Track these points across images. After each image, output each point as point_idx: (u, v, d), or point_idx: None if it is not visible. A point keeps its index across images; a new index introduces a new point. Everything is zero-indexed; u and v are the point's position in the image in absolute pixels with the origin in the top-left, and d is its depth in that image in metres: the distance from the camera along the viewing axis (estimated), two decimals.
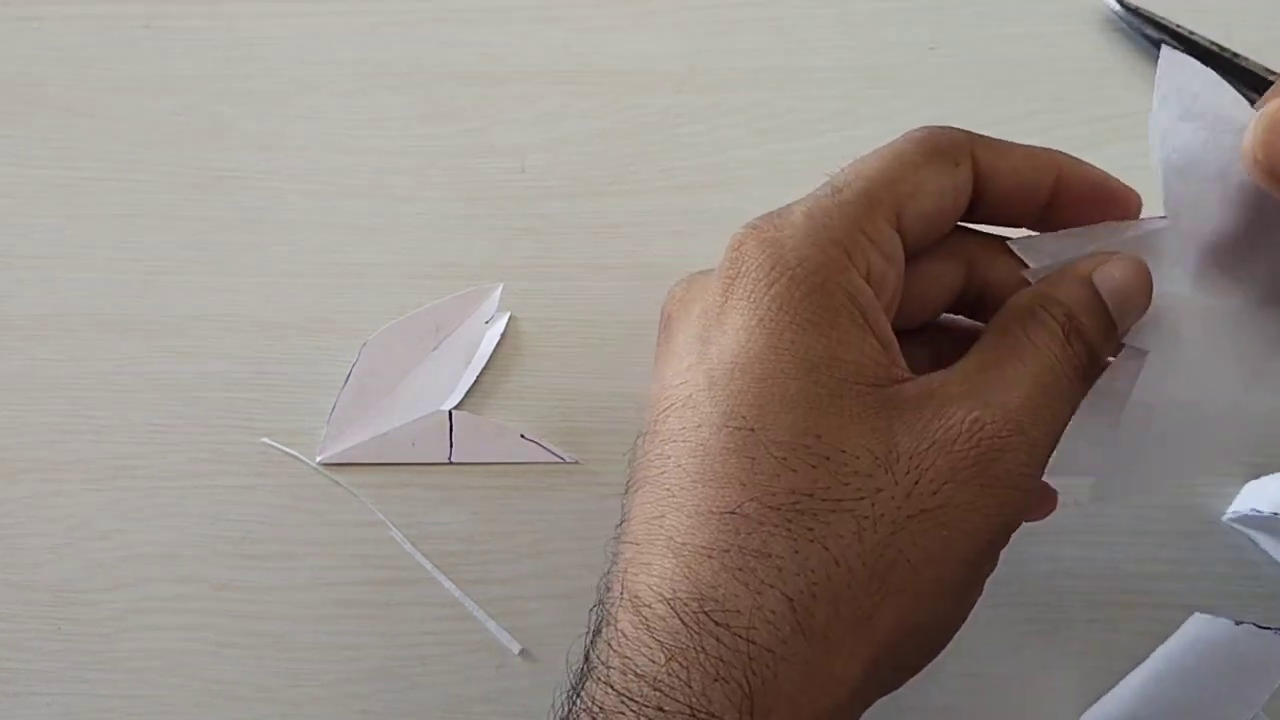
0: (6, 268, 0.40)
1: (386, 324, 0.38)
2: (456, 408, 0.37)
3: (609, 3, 0.46)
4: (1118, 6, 0.45)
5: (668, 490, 0.25)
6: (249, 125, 0.43)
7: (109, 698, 0.33)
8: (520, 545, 0.35)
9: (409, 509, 0.35)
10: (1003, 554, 0.33)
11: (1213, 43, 0.43)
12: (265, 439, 0.36)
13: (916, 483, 0.24)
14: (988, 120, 0.43)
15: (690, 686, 0.22)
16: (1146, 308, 0.27)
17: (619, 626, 0.24)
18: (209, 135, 0.43)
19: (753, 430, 0.24)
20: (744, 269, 0.26)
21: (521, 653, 0.33)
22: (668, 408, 0.26)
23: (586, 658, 0.25)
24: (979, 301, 0.30)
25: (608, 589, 0.25)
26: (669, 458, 0.25)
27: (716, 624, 0.23)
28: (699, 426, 0.25)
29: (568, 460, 0.36)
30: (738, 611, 0.23)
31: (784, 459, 0.24)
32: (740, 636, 0.23)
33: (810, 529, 0.23)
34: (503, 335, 0.38)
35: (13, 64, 0.45)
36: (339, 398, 0.37)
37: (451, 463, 0.36)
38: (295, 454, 0.36)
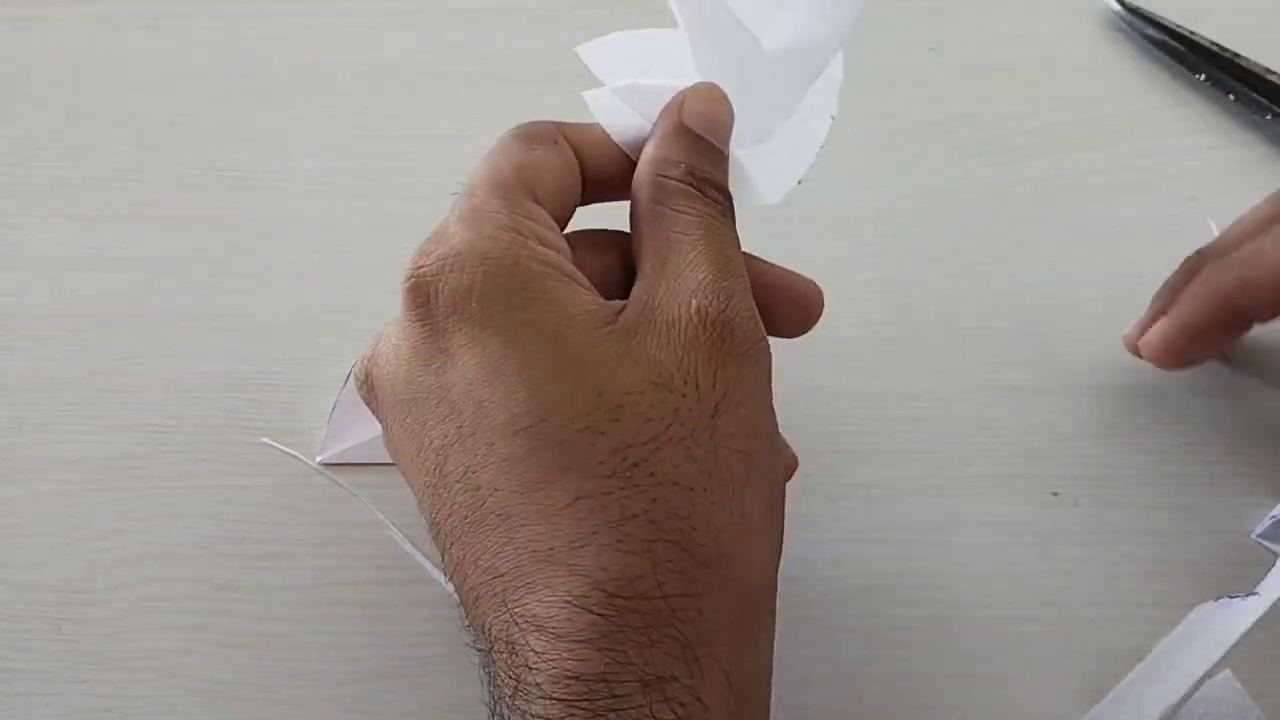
0: (8, 268, 0.40)
1: (387, 324, 0.38)
2: None
3: (609, 3, 0.46)
4: (1118, 6, 0.45)
5: (499, 516, 0.25)
6: (249, 125, 0.43)
7: (109, 698, 0.33)
8: None
9: (409, 509, 0.35)
10: (1003, 554, 0.33)
11: (1213, 43, 0.43)
12: (265, 439, 0.36)
13: (695, 385, 0.25)
14: (988, 120, 0.43)
15: (632, 663, 0.23)
16: (731, 115, 0.30)
17: (531, 649, 0.24)
18: (209, 135, 0.43)
19: (544, 420, 0.25)
20: (433, 293, 0.26)
21: None
22: (440, 459, 0.26)
23: (494, 708, 0.25)
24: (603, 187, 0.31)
25: (488, 634, 0.25)
26: (477, 490, 0.25)
27: (627, 598, 0.23)
28: (491, 446, 0.25)
29: None
30: (640, 578, 0.24)
31: (587, 428, 0.24)
32: (654, 598, 0.24)
33: (651, 474, 0.24)
34: None
35: (13, 64, 0.45)
36: (339, 398, 0.37)
37: None
38: (295, 454, 0.36)
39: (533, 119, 0.29)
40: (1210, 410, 0.37)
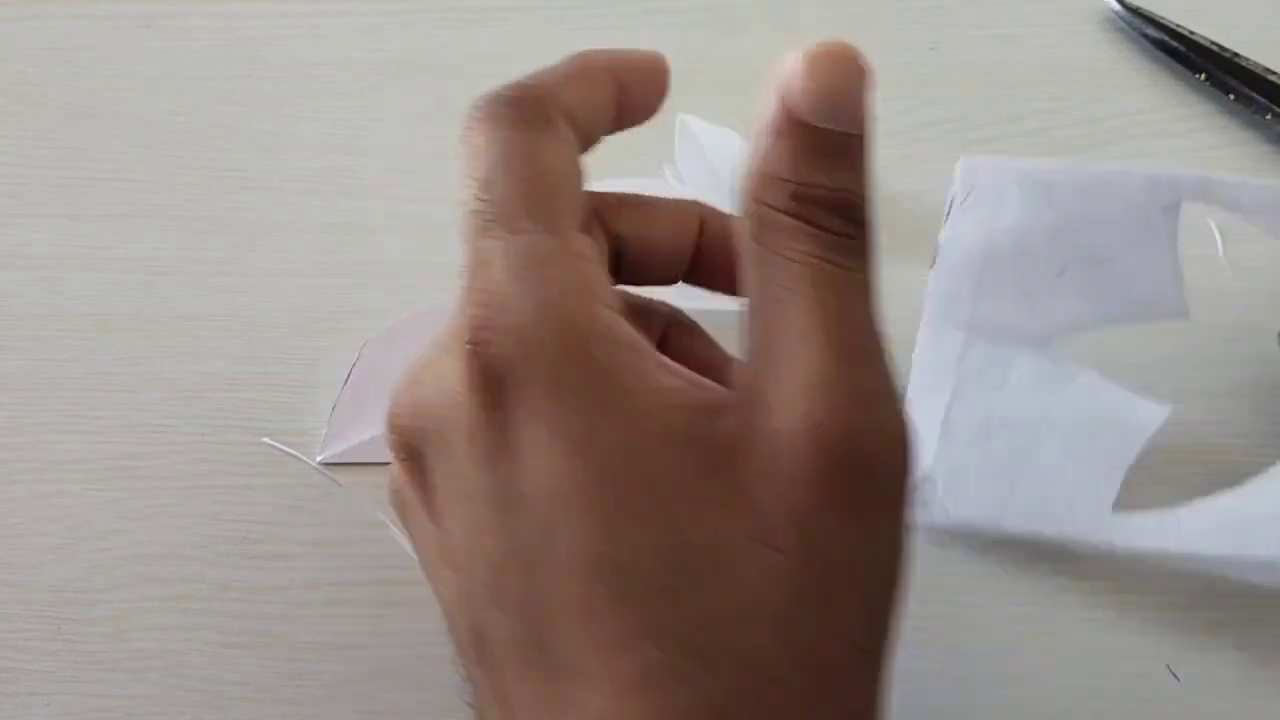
0: (7, 268, 0.40)
1: (387, 324, 0.38)
2: None
3: (609, 2, 0.46)
4: (1118, 6, 0.45)
5: (562, 667, 0.20)
6: (249, 125, 0.43)
7: (109, 698, 0.33)
8: None
9: None
10: (1004, 556, 0.33)
11: (1213, 43, 0.43)
12: (265, 439, 0.36)
13: (806, 547, 0.20)
14: (988, 120, 0.43)
15: None
16: (865, 75, 0.20)
17: None
18: (209, 135, 0.43)
19: (620, 568, 0.20)
20: (502, 380, 0.21)
21: None
22: (494, 574, 0.21)
23: None
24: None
25: None
26: (536, 623, 0.21)
27: None
28: (558, 582, 0.20)
29: None
30: None
31: (668, 587, 0.20)
32: None
33: (734, 657, 0.20)
34: None
35: (13, 64, 0.45)
36: (339, 397, 0.37)
37: None
38: (295, 454, 0.36)
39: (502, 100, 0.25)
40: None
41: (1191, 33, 0.44)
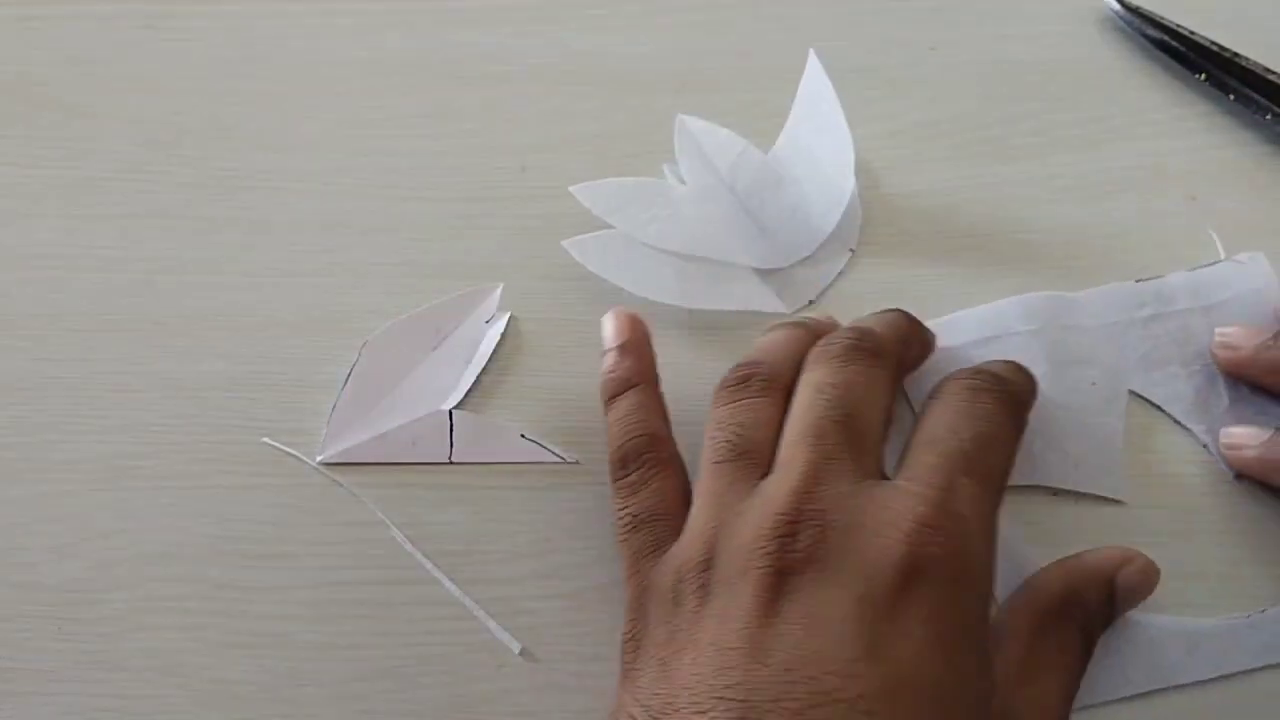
0: (8, 268, 0.40)
1: (387, 324, 0.38)
2: (457, 407, 0.37)
3: (609, 2, 0.46)
4: (1118, 6, 0.45)
5: None
6: (249, 125, 0.43)
7: (109, 698, 0.33)
8: (520, 545, 0.35)
9: (409, 509, 0.35)
10: (1005, 554, 0.33)
11: (1213, 42, 0.43)
12: (265, 439, 0.36)
13: None
14: (988, 120, 0.43)
15: None
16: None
17: None
18: (209, 135, 0.43)
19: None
20: (929, 573, 0.27)
21: (522, 652, 0.33)
22: (822, 700, 0.25)
23: None
24: None
25: None
26: None
27: None
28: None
29: (568, 460, 0.36)
30: None
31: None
32: None
33: None
34: (503, 335, 0.38)
35: (13, 64, 0.45)
36: (339, 397, 0.37)
37: (452, 462, 0.36)
38: (295, 454, 0.36)
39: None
40: None
41: (1191, 33, 0.44)
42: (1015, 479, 0.32)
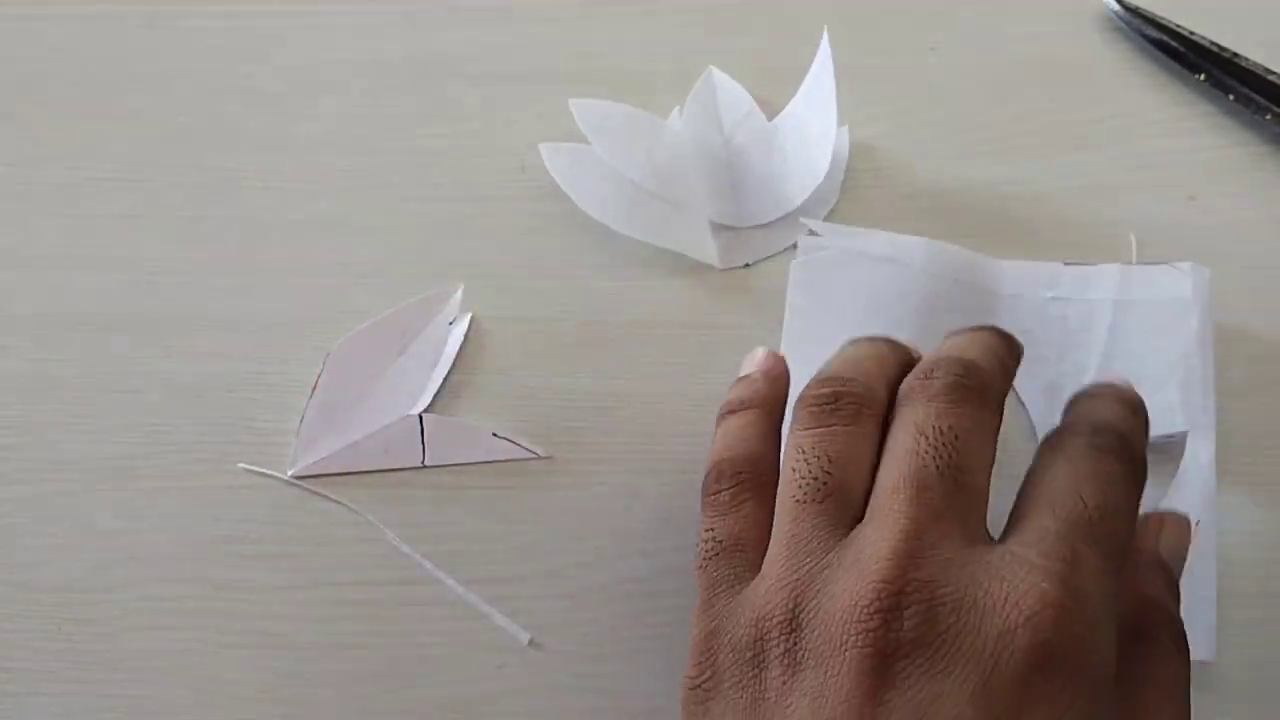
0: (8, 268, 0.40)
1: (348, 332, 0.38)
2: (426, 410, 0.37)
3: (609, 2, 0.46)
4: (1118, 6, 0.45)
5: None
6: (250, 125, 0.43)
7: (109, 698, 0.33)
8: (520, 545, 0.35)
9: (409, 509, 0.35)
10: None
11: (1213, 43, 0.43)
12: (241, 465, 0.36)
13: None
14: (988, 120, 0.43)
15: None
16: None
17: None
18: (210, 135, 0.43)
19: None
20: (1055, 665, 0.24)
21: (530, 643, 0.33)
22: None
23: None
24: None
25: None
26: None
27: None
28: None
29: (541, 455, 0.36)
30: None
31: None
32: None
33: None
34: (465, 335, 0.38)
35: (13, 64, 0.45)
36: (306, 409, 0.36)
37: (425, 466, 0.36)
38: (272, 473, 0.36)
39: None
40: None
41: (1191, 33, 0.44)
42: None
